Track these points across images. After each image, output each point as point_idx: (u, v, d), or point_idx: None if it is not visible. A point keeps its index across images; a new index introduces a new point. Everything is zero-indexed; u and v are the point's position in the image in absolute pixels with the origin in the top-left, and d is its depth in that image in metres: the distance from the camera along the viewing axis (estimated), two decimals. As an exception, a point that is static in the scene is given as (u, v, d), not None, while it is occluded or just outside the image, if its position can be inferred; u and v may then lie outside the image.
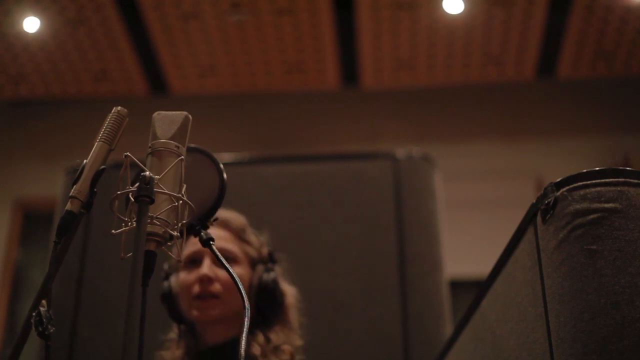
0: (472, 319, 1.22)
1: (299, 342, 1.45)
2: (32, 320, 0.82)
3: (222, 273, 1.37)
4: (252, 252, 1.45)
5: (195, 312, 1.38)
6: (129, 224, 0.85)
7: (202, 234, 1.07)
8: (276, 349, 1.38)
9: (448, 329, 1.82)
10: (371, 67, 4.57)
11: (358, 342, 1.81)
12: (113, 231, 0.86)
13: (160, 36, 4.31)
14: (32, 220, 4.86)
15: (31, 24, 4.19)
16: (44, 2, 4.08)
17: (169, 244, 0.86)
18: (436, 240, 1.92)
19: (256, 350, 1.35)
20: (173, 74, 4.60)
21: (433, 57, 4.49)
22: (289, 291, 1.48)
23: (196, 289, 1.37)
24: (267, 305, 1.41)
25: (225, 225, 1.45)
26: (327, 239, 1.92)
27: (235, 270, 1.34)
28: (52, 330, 0.81)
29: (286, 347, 1.39)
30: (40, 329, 0.81)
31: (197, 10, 4.14)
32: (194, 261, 1.40)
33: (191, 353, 1.40)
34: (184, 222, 0.87)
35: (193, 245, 1.39)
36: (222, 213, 1.44)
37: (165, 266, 1.48)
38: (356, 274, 1.88)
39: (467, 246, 4.07)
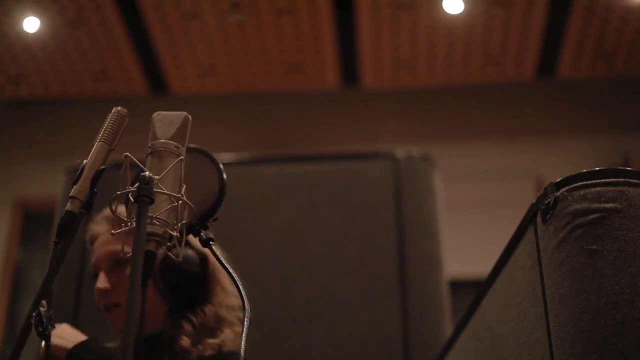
0: (472, 319, 1.21)
1: (235, 301, 1.36)
2: (32, 320, 0.82)
3: (118, 278, 1.32)
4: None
5: (110, 325, 1.35)
6: (129, 224, 0.85)
7: (202, 234, 1.07)
8: (213, 332, 1.32)
9: (448, 329, 1.82)
10: (371, 67, 4.57)
11: (358, 342, 1.80)
12: (113, 231, 0.86)
13: (160, 36, 4.31)
14: (32, 220, 4.86)
15: (31, 24, 4.19)
16: (44, 2, 4.08)
17: (169, 244, 0.86)
18: (436, 240, 1.92)
19: (185, 342, 1.28)
20: (173, 74, 4.60)
21: (433, 57, 4.49)
22: (196, 254, 1.34)
23: (102, 302, 1.34)
24: (182, 285, 1.31)
25: (110, 220, 1.37)
26: (327, 239, 1.92)
27: (128, 272, 1.27)
28: (52, 331, 0.81)
29: (224, 327, 1.33)
30: (40, 329, 0.82)
31: (197, 10, 4.14)
32: (94, 274, 1.37)
33: (119, 345, 1.39)
34: (184, 222, 0.87)
35: (93, 254, 1.37)
36: (105, 210, 1.38)
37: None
38: (356, 274, 1.88)
39: (467, 246, 4.07)
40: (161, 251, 1.30)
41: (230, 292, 1.38)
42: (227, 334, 1.33)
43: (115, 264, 1.35)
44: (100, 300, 1.34)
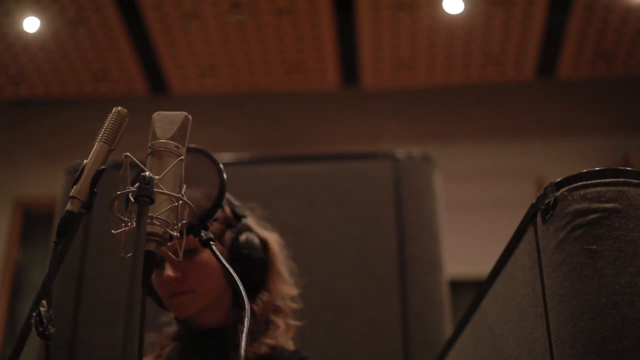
0: (472, 319, 1.22)
1: (292, 291, 1.38)
2: (32, 321, 0.82)
3: (182, 265, 1.29)
4: (214, 227, 1.29)
5: (176, 312, 1.33)
6: (129, 224, 0.85)
7: (202, 234, 1.07)
8: (267, 323, 1.33)
9: (448, 329, 1.82)
10: (371, 67, 4.57)
11: (358, 342, 1.80)
12: (113, 231, 0.86)
13: (160, 36, 4.31)
14: (32, 220, 4.86)
15: (31, 24, 4.19)
16: (44, 2, 4.08)
17: (169, 244, 0.86)
18: (436, 240, 1.92)
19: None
20: (173, 74, 4.60)
21: (433, 57, 4.49)
22: (271, 238, 1.37)
23: (168, 291, 1.31)
24: (248, 271, 1.31)
25: None
26: (327, 239, 1.92)
27: (199, 258, 1.29)
28: (52, 331, 0.81)
29: (278, 318, 1.34)
30: (41, 329, 0.81)
31: (197, 10, 4.14)
32: (159, 263, 1.32)
33: (183, 336, 1.36)
34: (184, 222, 0.87)
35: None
36: None
37: None
38: (356, 274, 1.88)
39: (467, 246, 4.07)
40: (229, 236, 1.30)
41: (287, 280, 1.38)
42: (280, 326, 1.33)
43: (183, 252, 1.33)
44: (167, 288, 1.30)
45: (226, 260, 1.28)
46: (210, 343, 1.33)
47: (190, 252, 1.30)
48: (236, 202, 1.39)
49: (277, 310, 1.36)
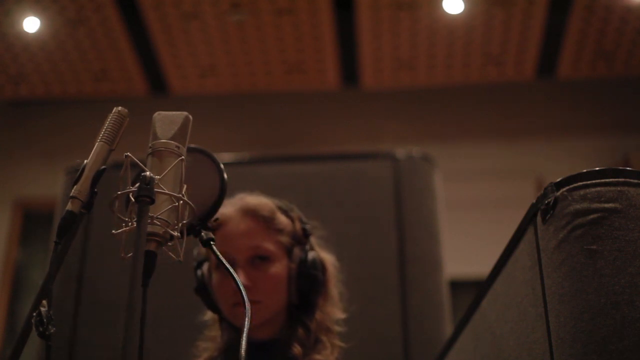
0: (472, 319, 1.22)
1: (340, 315, 1.39)
2: (33, 321, 0.82)
3: (254, 274, 1.30)
4: (285, 240, 1.35)
5: (236, 321, 1.31)
6: (129, 224, 0.85)
7: (202, 234, 1.07)
8: (317, 342, 1.34)
9: (448, 329, 1.82)
10: (371, 67, 4.57)
11: (358, 342, 1.80)
12: (113, 231, 0.86)
13: (160, 36, 4.31)
14: (32, 220, 4.86)
15: (31, 24, 4.19)
16: (44, 2, 4.08)
17: (169, 244, 0.86)
18: (436, 240, 1.92)
19: (297, 350, 1.29)
20: (173, 74, 4.60)
21: (433, 57, 4.49)
22: (329, 260, 1.40)
23: (233, 297, 1.29)
24: (311, 291, 1.34)
25: (254, 214, 1.35)
26: (327, 239, 1.92)
27: (272, 270, 1.31)
28: (52, 331, 0.81)
29: (326, 338, 1.35)
30: (41, 329, 0.81)
31: (197, 10, 4.15)
32: (221, 267, 1.31)
33: (232, 346, 1.34)
34: (184, 222, 0.87)
35: (224, 244, 1.30)
36: (248, 199, 1.37)
37: (195, 253, 1.39)
38: (356, 274, 1.88)
39: (467, 246, 4.07)
40: (298, 253, 1.33)
41: (337, 303, 1.40)
42: (327, 346, 1.34)
43: (254, 259, 1.32)
44: (233, 295, 1.28)
45: (293, 276, 1.32)
46: (262, 356, 1.32)
47: (263, 262, 1.32)
48: (304, 219, 1.42)
49: (328, 330, 1.36)
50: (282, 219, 1.37)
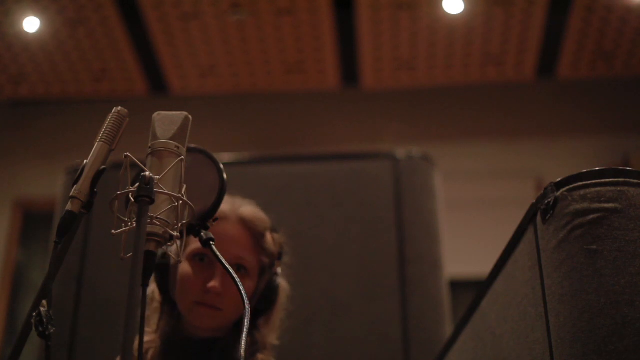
0: (472, 319, 1.22)
1: (274, 340, 1.39)
2: (33, 321, 0.82)
3: (227, 281, 1.28)
4: (264, 260, 1.36)
5: (191, 318, 1.30)
6: (129, 224, 0.85)
7: (202, 234, 1.07)
8: (257, 346, 1.35)
9: (448, 329, 1.82)
10: (371, 67, 4.57)
11: (358, 342, 1.81)
12: (113, 231, 0.86)
13: (160, 36, 4.31)
14: (32, 220, 4.86)
15: (31, 24, 4.19)
16: (44, 2, 4.09)
17: (169, 244, 0.86)
18: (436, 240, 1.92)
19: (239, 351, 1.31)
20: (173, 74, 4.60)
21: (433, 57, 4.49)
22: (283, 288, 1.42)
23: (200, 295, 1.28)
24: (263, 309, 1.37)
25: (248, 226, 1.35)
26: (327, 239, 1.92)
27: (245, 285, 1.27)
28: (52, 331, 0.81)
29: (265, 343, 1.36)
30: (41, 329, 0.81)
31: (197, 10, 4.15)
32: (202, 258, 1.31)
33: (169, 339, 1.32)
34: (184, 222, 0.87)
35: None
36: (247, 208, 1.37)
37: None
38: (356, 274, 1.88)
39: (467, 246, 4.07)
40: (269, 274, 1.34)
41: (274, 329, 1.41)
42: (267, 356, 1.35)
43: (233, 267, 1.26)
44: (200, 292, 1.28)
45: (255, 294, 1.34)
46: (202, 353, 1.31)
47: (240, 273, 1.31)
48: (284, 245, 1.43)
49: (264, 348, 1.37)
50: (269, 238, 1.38)
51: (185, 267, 1.31)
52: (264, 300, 1.36)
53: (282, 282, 1.40)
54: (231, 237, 1.33)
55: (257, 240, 1.36)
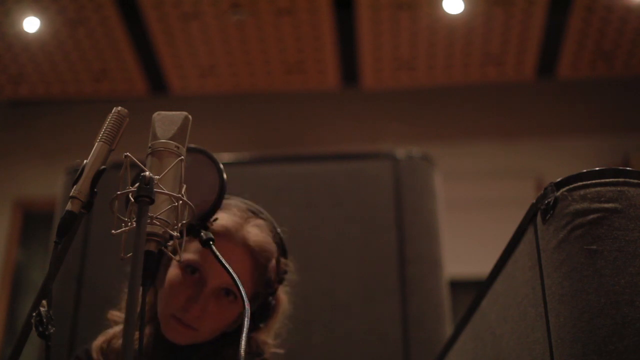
0: (472, 319, 1.22)
1: (270, 346, 1.32)
2: (32, 321, 0.82)
3: (214, 311, 1.21)
4: (260, 290, 1.27)
5: (165, 329, 1.23)
6: (129, 224, 0.85)
7: (201, 234, 1.07)
8: (253, 349, 1.29)
9: (448, 329, 1.82)
10: (371, 67, 4.57)
11: (358, 342, 1.81)
12: (113, 231, 0.86)
13: (160, 36, 4.31)
14: (32, 220, 4.86)
15: (31, 24, 4.19)
16: (44, 2, 4.08)
17: (169, 244, 0.86)
18: (436, 240, 1.92)
19: (230, 356, 1.25)
20: (173, 74, 4.60)
21: (433, 57, 4.49)
22: (283, 301, 1.34)
23: (179, 311, 1.20)
24: (262, 319, 1.30)
25: (253, 255, 1.24)
26: (327, 239, 1.92)
27: (228, 312, 1.22)
28: (52, 331, 0.81)
29: (262, 346, 1.31)
30: (41, 329, 0.81)
31: (197, 10, 4.14)
32: (194, 271, 1.22)
33: (150, 338, 1.27)
34: (184, 222, 0.87)
35: (196, 253, 1.20)
36: (255, 233, 1.25)
37: None
38: (356, 274, 1.88)
39: (467, 246, 4.07)
40: (259, 300, 1.24)
41: (270, 334, 1.34)
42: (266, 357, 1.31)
43: (221, 290, 1.22)
44: (179, 308, 1.20)
45: (238, 318, 1.25)
46: (181, 355, 1.26)
47: (227, 298, 1.22)
48: (288, 266, 1.34)
49: (266, 345, 1.32)
50: (272, 266, 1.27)
51: (175, 274, 1.23)
52: (252, 320, 1.27)
53: (281, 297, 1.33)
54: (230, 262, 1.16)
55: (257, 270, 1.25)
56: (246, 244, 1.23)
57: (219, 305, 1.22)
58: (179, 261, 0.90)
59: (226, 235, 1.21)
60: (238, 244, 1.22)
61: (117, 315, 1.34)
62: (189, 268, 1.22)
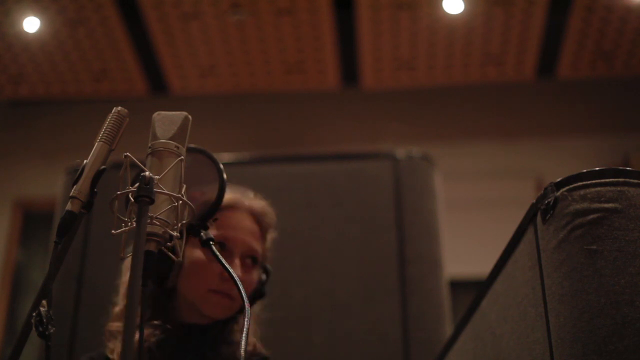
0: (472, 319, 1.22)
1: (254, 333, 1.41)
2: (33, 321, 0.82)
3: (245, 276, 1.31)
4: (266, 253, 1.41)
5: (205, 306, 1.29)
6: (129, 224, 0.85)
7: (201, 234, 1.07)
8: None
9: (448, 329, 1.82)
10: (371, 67, 4.57)
11: (358, 342, 1.81)
12: (113, 231, 0.86)
13: (160, 36, 4.31)
14: (32, 220, 4.86)
15: (31, 24, 4.19)
16: (44, 2, 4.08)
17: (169, 244, 0.86)
18: (436, 240, 1.92)
19: (236, 334, 1.35)
20: (173, 74, 4.60)
21: (433, 57, 4.49)
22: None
23: (217, 283, 1.27)
24: (260, 296, 1.40)
25: (259, 218, 1.38)
26: (327, 239, 1.92)
27: (254, 275, 1.34)
28: (52, 331, 0.81)
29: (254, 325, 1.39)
30: (41, 329, 0.81)
31: (197, 10, 4.14)
32: (224, 247, 1.30)
33: (168, 328, 1.29)
34: (184, 222, 0.87)
35: (226, 229, 1.30)
36: (257, 201, 1.40)
37: None
38: (356, 274, 1.88)
39: (467, 246, 4.07)
40: (267, 268, 1.38)
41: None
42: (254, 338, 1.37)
43: (246, 257, 1.34)
44: (217, 281, 1.27)
45: (259, 281, 1.37)
46: (196, 338, 1.32)
47: (251, 263, 1.34)
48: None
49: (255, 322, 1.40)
50: (270, 238, 1.42)
51: (197, 254, 1.29)
52: (260, 293, 1.39)
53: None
54: (247, 229, 1.35)
55: (264, 233, 1.39)
56: (253, 211, 1.37)
57: (248, 272, 1.33)
58: (180, 261, 0.90)
59: (235, 206, 1.33)
60: (246, 211, 1.36)
61: (116, 326, 1.36)
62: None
